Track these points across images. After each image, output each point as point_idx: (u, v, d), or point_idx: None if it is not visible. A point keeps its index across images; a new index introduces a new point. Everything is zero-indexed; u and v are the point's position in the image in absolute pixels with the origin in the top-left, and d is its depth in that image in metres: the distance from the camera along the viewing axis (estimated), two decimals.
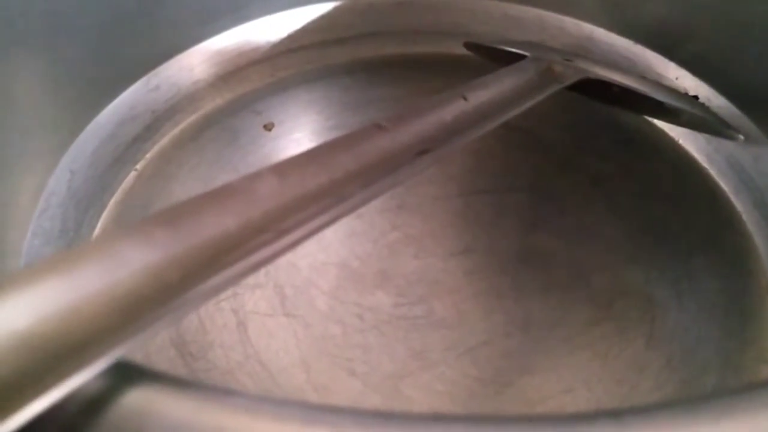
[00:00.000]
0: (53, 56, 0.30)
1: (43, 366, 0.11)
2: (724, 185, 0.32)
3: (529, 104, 0.25)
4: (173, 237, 0.14)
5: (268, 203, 0.16)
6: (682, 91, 0.34)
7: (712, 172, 0.33)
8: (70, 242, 0.30)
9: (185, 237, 0.14)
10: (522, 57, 0.30)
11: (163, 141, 0.36)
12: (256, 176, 0.16)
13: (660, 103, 0.31)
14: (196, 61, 0.38)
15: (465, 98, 0.22)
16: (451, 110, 0.21)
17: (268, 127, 0.35)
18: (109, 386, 0.12)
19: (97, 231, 0.31)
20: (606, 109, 0.34)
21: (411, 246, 0.30)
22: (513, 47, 0.31)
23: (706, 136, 0.33)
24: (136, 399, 0.12)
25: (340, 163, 0.17)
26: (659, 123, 0.35)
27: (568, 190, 0.32)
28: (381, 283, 0.29)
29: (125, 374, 0.13)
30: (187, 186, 0.33)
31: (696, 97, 0.33)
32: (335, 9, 0.40)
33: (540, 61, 0.27)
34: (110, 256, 0.13)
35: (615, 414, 0.11)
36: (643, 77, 0.33)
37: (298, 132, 0.36)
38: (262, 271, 0.29)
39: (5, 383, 0.11)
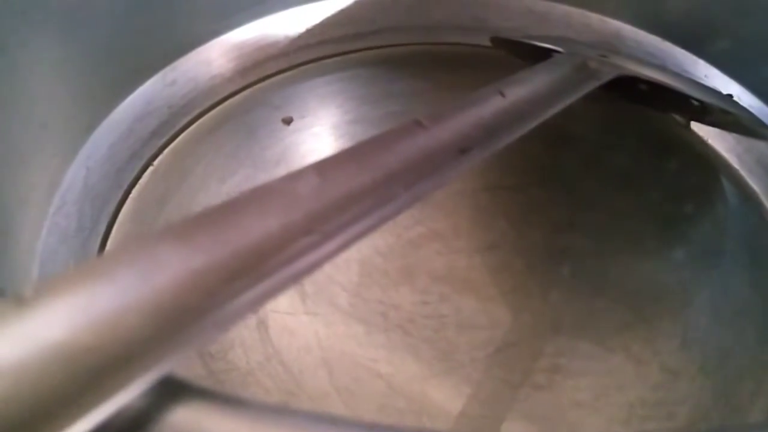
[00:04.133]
0: (69, 50, 0.30)
1: (83, 382, 0.11)
2: (755, 186, 0.32)
3: (567, 102, 0.24)
4: (215, 240, 0.13)
5: (309, 204, 0.15)
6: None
7: (743, 172, 0.33)
8: (86, 240, 0.29)
9: (227, 239, 0.14)
10: (550, 53, 0.29)
11: (181, 136, 0.35)
12: (296, 176, 0.16)
13: (689, 102, 0.30)
14: (213, 56, 0.37)
15: (502, 94, 0.21)
16: (490, 107, 0.21)
17: (287, 121, 0.35)
18: (155, 405, 0.12)
19: (114, 228, 0.31)
20: (634, 106, 0.33)
21: (435, 241, 0.30)
22: (543, 42, 0.31)
23: (736, 135, 0.33)
24: (185, 419, 0.12)
25: (381, 162, 0.17)
26: (687, 121, 0.34)
27: (595, 186, 0.32)
28: (405, 280, 0.28)
29: (172, 392, 0.12)
30: (204, 181, 0.32)
31: (730, 96, 0.32)
32: (355, 3, 0.39)
33: (574, 57, 0.27)
34: (150, 261, 0.13)
35: None
36: (678, 74, 0.33)
37: (317, 126, 0.35)
38: None
39: (42, 403, 0.10)
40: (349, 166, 0.16)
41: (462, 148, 0.19)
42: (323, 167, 0.16)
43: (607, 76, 0.27)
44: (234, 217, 0.14)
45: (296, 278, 0.14)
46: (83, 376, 0.11)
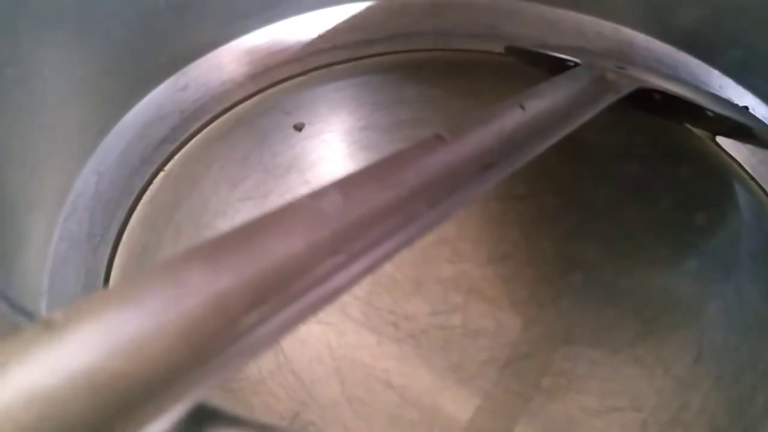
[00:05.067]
0: (81, 55, 0.30)
1: (115, 410, 0.11)
2: None
3: (587, 116, 0.24)
4: (241, 261, 0.13)
5: (335, 222, 0.15)
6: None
7: (757, 183, 0.32)
8: (98, 246, 0.29)
9: (253, 260, 0.13)
10: (565, 63, 0.29)
11: (192, 142, 0.35)
12: (319, 194, 0.16)
13: (704, 113, 0.30)
14: (225, 61, 0.37)
15: (522, 107, 0.21)
16: (510, 120, 0.21)
17: (298, 127, 0.35)
18: None
19: (125, 233, 0.30)
20: (648, 115, 0.33)
21: (446, 251, 0.29)
22: (558, 53, 0.31)
23: (750, 146, 0.32)
24: None
25: (404, 179, 0.17)
26: (701, 132, 0.34)
27: (607, 196, 0.32)
28: (416, 289, 0.28)
29: (204, 422, 0.12)
30: (216, 187, 0.32)
31: (746, 108, 0.32)
32: (367, 9, 0.39)
33: (592, 69, 0.27)
34: (176, 284, 0.12)
35: None
36: (694, 86, 0.33)
37: (328, 132, 0.35)
38: None
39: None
40: (372, 183, 0.16)
41: (484, 163, 0.18)
42: (346, 185, 0.16)
43: (626, 89, 0.27)
44: (259, 237, 0.14)
45: (323, 303, 0.14)
46: (114, 403, 0.11)
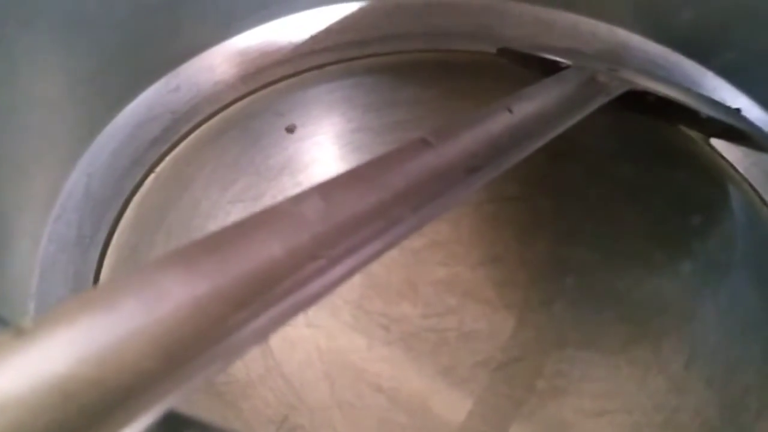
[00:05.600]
0: (71, 56, 0.30)
1: (85, 417, 0.10)
2: (762, 200, 0.32)
3: (576, 118, 0.24)
4: (218, 266, 0.13)
5: (315, 227, 0.15)
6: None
7: (750, 186, 0.32)
8: (87, 248, 0.29)
9: (231, 266, 0.13)
10: (557, 64, 0.29)
11: (183, 143, 0.35)
12: (301, 198, 0.15)
13: (697, 115, 0.30)
14: (217, 62, 0.37)
15: (510, 110, 0.21)
16: (497, 123, 0.20)
17: (290, 129, 0.35)
18: None
19: (115, 236, 0.30)
20: (641, 117, 0.33)
21: (438, 253, 0.29)
22: (551, 54, 0.30)
23: (744, 148, 0.32)
24: None
25: (387, 183, 0.17)
26: (695, 133, 0.34)
27: (600, 198, 0.32)
28: (407, 292, 0.28)
29: (176, 428, 0.11)
30: (206, 189, 0.32)
31: (738, 110, 0.32)
32: (360, 10, 0.39)
33: (583, 71, 0.27)
34: (152, 289, 0.12)
35: None
36: (687, 89, 0.32)
37: (320, 134, 0.35)
38: None
39: None
40: (355, 187, 0.16)
41: (470, 167, 0.18)
42: (328, 189, 0.16)
43: (617, 91, 0.26)
44: (237, 242, 0.14)
45: (303, 306, 0.14)
46: (85, 410, 0.11)
